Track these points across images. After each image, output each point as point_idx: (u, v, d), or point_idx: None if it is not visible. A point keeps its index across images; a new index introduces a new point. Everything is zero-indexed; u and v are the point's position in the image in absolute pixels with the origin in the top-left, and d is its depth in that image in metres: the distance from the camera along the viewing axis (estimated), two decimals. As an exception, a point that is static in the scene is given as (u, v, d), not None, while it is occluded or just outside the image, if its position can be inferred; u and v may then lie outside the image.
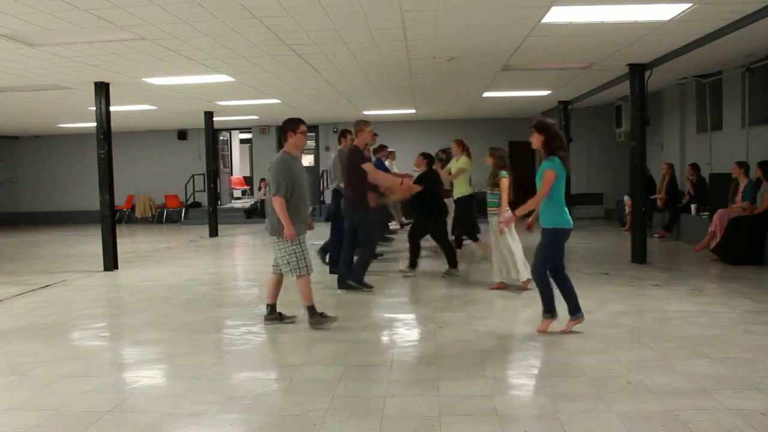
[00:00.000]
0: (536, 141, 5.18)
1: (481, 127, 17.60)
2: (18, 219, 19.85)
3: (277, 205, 5.43)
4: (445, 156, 9.80)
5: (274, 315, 5.88)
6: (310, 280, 5.68)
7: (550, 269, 5.25)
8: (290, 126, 5.69)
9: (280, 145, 22.42)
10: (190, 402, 3.97)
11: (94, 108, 9.84)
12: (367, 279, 7.38)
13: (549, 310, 5.29)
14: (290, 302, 6.20)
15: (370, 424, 3.54)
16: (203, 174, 17.09)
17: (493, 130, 18.34)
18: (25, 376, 4.57)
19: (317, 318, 5.65)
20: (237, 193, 22.89)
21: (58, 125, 16.52)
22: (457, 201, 9.25)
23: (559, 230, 5.14)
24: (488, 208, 7.24)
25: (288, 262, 5.55)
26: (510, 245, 7.04)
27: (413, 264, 8.27)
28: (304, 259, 5.57)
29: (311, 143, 20.47)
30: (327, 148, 19.57)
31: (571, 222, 5.19)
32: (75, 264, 10.56)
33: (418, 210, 8.15)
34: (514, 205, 6.19)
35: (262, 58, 8.37)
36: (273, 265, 5.81)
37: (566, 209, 5.18)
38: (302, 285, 5.62)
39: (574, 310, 5.25)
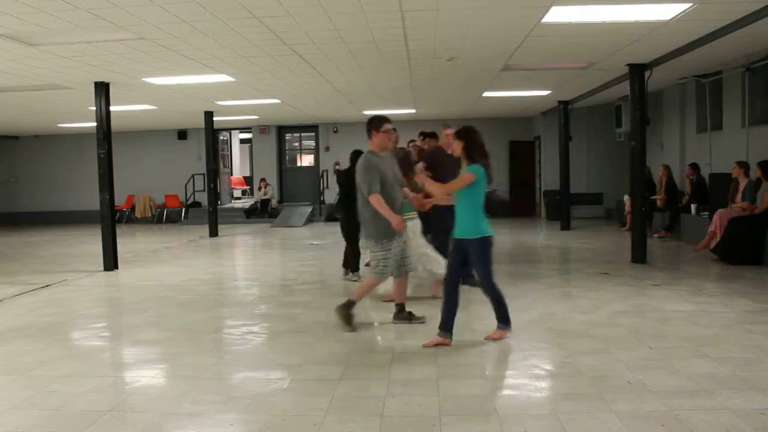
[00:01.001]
0: (457, 147, 5.08)
1: (481, 127, 17.42)
2: (18, 219, 19.86)
3: (375, 202, 5.31)
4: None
5: (403, 314, 5.82)
6: (377, 285, 5.72)
7: (461, 276, 5.19)
8: (373, 125, 5.60)
9: (280, 144, 22.24)
10: (190, 402, 3.97)
11: (94, 108, 9.84)
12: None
13: (504, 320, 5.17)
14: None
15: (370, 424, 3.53)
16: (203, 174, 17.11)
17: (493, 130, 18.36)
18: (25, 376, 4.56)
19: (346, 311, 5.59)
20: (237, 193, 22.91)
21: (58, 125, 16.52)
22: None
23: (486, 237, 5.01)
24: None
25: (376, 265, 5.53)
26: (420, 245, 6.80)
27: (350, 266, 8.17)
28: (387, 266, 5.51)
29: (311, 143, 20.49)
30: (327, 149, 19.57)
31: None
32: (75, 264, 10.56)
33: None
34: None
35: (262, 58, 8.38)
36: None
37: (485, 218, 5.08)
38: (368, 283, 5.66)
39: (503, 320, 5.15)
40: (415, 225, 6.64)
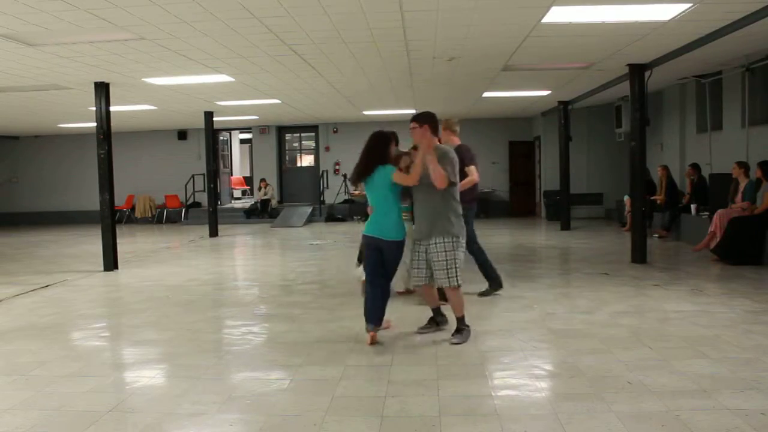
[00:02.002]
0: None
1: (481, 127, 17.64)
2: (18, 219, 19.86)
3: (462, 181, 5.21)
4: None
5: (441, 318, 5.51)
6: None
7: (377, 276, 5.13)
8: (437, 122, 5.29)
9: (280, 144, 22.20)
10: (190, 402, 3.97)
11: (94, 108, 9.84)
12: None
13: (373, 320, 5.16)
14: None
15: (370, 424, 3.53)
16: (203, 174, 17.11)
17: (493, 130, 18.38)
18: (25, 376, 4.56)
19: (462, 329, 5.21)
20: (237, 193, 22.91)
21: (58, 125, 16.53)
22: None
23: (403, 241, 5.10)
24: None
25: (448, 269, 5.00)
26: None
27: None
28: (459, 267, 5.06)
29: (311, 143, 20.50)
30: (327, 149, 19.58)
31: None
32: (75, 264, 10.56)
33: None
34: None
35: (262, 58, 8.38)
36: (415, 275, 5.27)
37: None
38: (456, 295, 5.14)
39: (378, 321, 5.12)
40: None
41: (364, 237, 5.19)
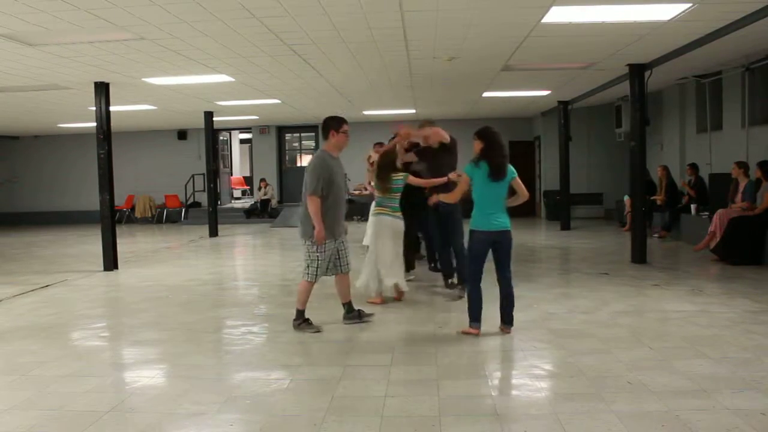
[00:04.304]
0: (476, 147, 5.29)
1: (481, 127, 17.57)
2: (18, 219, 19.85)
3: (312, 204, 5.33)
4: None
5: (352, 314, 5.84)
6: (312, 287, 5.64)
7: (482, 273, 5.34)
8: (332, 125, 5.55)
9: (280, 144, 22.27)
10: (190, 402, 3.97)
11: (94, 108, 9.84)
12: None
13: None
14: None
15: (370, 424, 3.53)
16: (203, 174, 17.11)
17: (493, 130, 18.35)
18: (25, 376, 4.57)
19: (302, 323, 5.63)
20: (237, 193, 22.91)
21: (58, 125, 16.52)
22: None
23: (470, 231, 5.28)
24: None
25: (308, 266, 5.53)
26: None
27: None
28: (318, 267, 5.51)
29: (311, 143, 20.49)
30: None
31: None
32: (75, 264, 10.56)
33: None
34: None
35: (262, 58, 8.37)
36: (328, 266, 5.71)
37: None
38: (302, 288, 5.63)
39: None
40: (397, 225, 6.56)
41: (485, 233, 5.11)
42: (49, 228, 18.12)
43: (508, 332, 5.32)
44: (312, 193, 5.34)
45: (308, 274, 5.54)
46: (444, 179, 6.39)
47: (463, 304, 6.23)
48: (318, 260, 5.49)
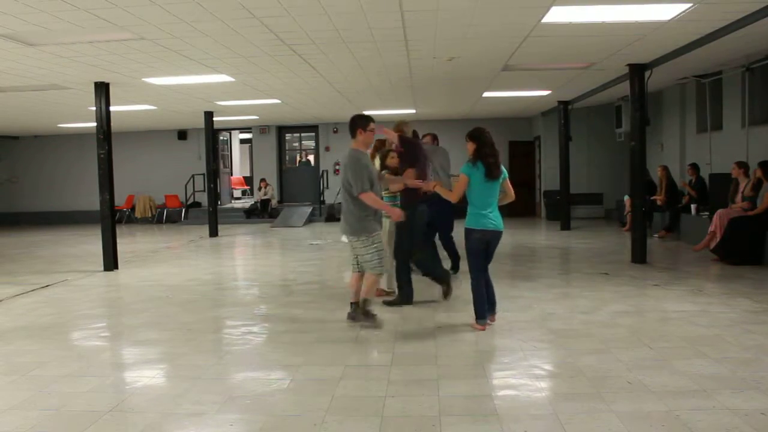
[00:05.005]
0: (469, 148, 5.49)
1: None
2: (18, 219, 19.86)
3: (368, 199, 5.47)
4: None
5: (362, 311, 5.83)
6: (381, 278, 5.85)
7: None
8: (360, 123, 5.67)
9: (280, 144, 22.19)
10: (190, 402, 3.97)
11: (94, 108, 9.84)
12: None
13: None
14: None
15: (370, 424, 3.54)
16: (203, 174, 17.11)
17: (493, 130, 18.32)
18: (24, 376, 4.57)
19: (365, 309, 5.68)
20: (237, 193, 22.91)
21: (58, 125, 16.52)
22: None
23: (466, 229, 5.45)
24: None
25: (371, 260, 5.57)
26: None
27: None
28: (382, 257, 5.63)
29: (311, 143, 20.50)
30: (327, 149, 19.57)
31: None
32: (75, 264, 10.56)
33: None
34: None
35: (262, 58, 8.37)
36: (353, 264, 5.82)
37: None
38: (372, 281, 5.68)
39: None
40: (392, 225, 6.57)
41: (480, 232, 5.34)
42: (49, 228, 18.12)
43: (494, 320, 5.61)
44: (362, 191, 5.47)
45: (378, 266, 5.60)
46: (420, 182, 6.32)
47: (462, 304, 6.25)
48: (379, 249, 5.59)
